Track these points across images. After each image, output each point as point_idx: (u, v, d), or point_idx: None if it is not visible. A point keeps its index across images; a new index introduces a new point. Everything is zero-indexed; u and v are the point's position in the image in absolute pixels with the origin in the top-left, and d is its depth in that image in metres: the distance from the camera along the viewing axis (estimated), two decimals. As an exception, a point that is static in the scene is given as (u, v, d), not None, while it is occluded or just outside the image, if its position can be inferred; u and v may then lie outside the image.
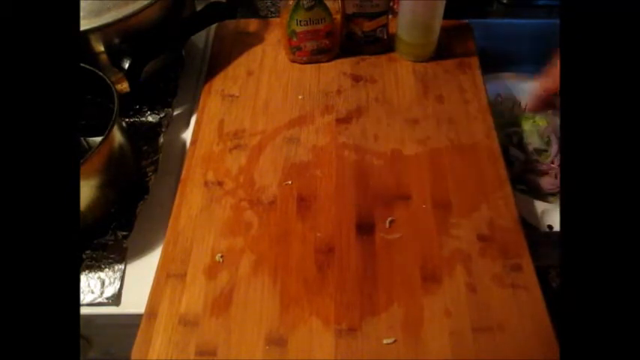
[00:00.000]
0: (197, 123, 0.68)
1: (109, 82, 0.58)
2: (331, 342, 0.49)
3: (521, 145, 0.83)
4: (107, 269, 0.57)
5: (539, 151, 0.82)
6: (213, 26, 0.80)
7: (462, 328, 0.49)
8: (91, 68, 0.59)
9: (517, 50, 0.89)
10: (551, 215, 0.67)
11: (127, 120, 0.70)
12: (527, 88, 0.86)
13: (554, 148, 0.80)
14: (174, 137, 0.70)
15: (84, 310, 0.55)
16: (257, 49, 0.77)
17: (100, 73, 0.58)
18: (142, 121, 0.70)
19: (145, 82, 0.68)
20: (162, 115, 0.70)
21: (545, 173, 0.79)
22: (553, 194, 0.77)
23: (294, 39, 0.71)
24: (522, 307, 0.50)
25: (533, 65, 0.90)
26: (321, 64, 0.74)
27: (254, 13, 0.88)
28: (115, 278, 0.56)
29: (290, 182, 0.60)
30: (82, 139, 0.64)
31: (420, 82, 0.71)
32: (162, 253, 0.55)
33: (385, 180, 0.60)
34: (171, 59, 0.75)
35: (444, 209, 0.57)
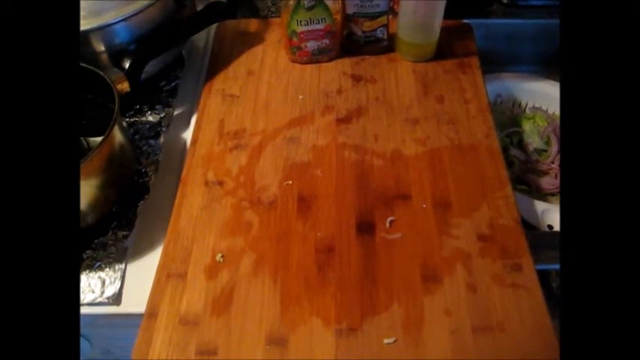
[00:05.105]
0: (197, 123, 0.68)
1: (109, 81, 0.58)
2: (332, 341, 0.49)
3: (521, 145, 0.83)
4: (107, 269, 0.57)
5: (539, 151, 0.82)
6: (213, 26, 0.80)
7: (462, 328, 0.49)
8: (92, 68, 0.59)
9: (517, 50, 0.90)
10: (551, 215, 0.67)
11: (128, 120, 0.70)
12: (528, 88, 0.86)
13: (554, 148, 0.81)
14: (174, 137, 0.70)
15: (84, 310, 0.55)
16: (257, 49, 0.77)
17: (101, 73, 0.58)
18: (142, 121, 0.70)
19: (146, 82, 0.68)
20: (162, 115, 0.70)
21: (545, 173, 0.80)
22: (553, 194, 0.77)
23: (295, 39, 0.71)
24: (522, 307, 0.50)
25: (533, 65, 0.90)
26: (322, 64, 0.74)
27: (254, 13, 0.88)
28: (115, 278, 0.56)
29: (290, 182, 0.60)
30: (82, 139, 0.64)
31: (420, 82, 0.71)
32: (162, 253, 0.55)
33: (385, 180, 0.60)
34: (172, 59, 0.75)
35: (444, 209, 0.57)
